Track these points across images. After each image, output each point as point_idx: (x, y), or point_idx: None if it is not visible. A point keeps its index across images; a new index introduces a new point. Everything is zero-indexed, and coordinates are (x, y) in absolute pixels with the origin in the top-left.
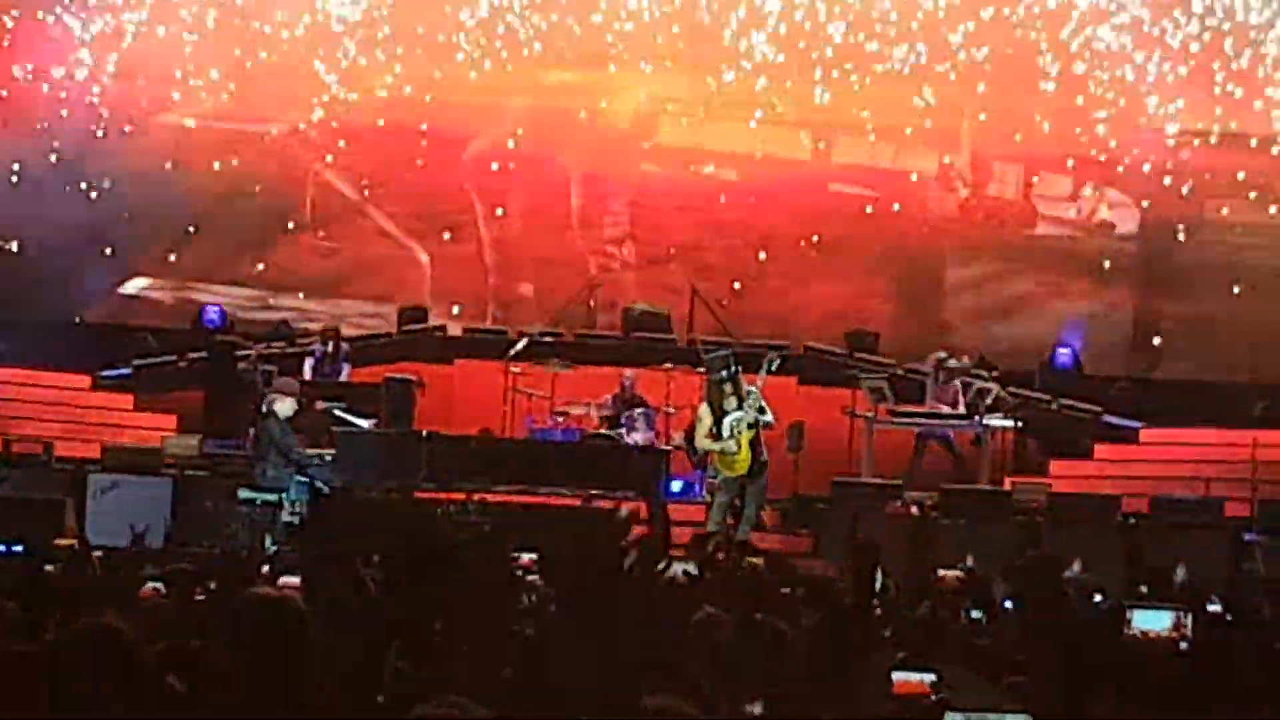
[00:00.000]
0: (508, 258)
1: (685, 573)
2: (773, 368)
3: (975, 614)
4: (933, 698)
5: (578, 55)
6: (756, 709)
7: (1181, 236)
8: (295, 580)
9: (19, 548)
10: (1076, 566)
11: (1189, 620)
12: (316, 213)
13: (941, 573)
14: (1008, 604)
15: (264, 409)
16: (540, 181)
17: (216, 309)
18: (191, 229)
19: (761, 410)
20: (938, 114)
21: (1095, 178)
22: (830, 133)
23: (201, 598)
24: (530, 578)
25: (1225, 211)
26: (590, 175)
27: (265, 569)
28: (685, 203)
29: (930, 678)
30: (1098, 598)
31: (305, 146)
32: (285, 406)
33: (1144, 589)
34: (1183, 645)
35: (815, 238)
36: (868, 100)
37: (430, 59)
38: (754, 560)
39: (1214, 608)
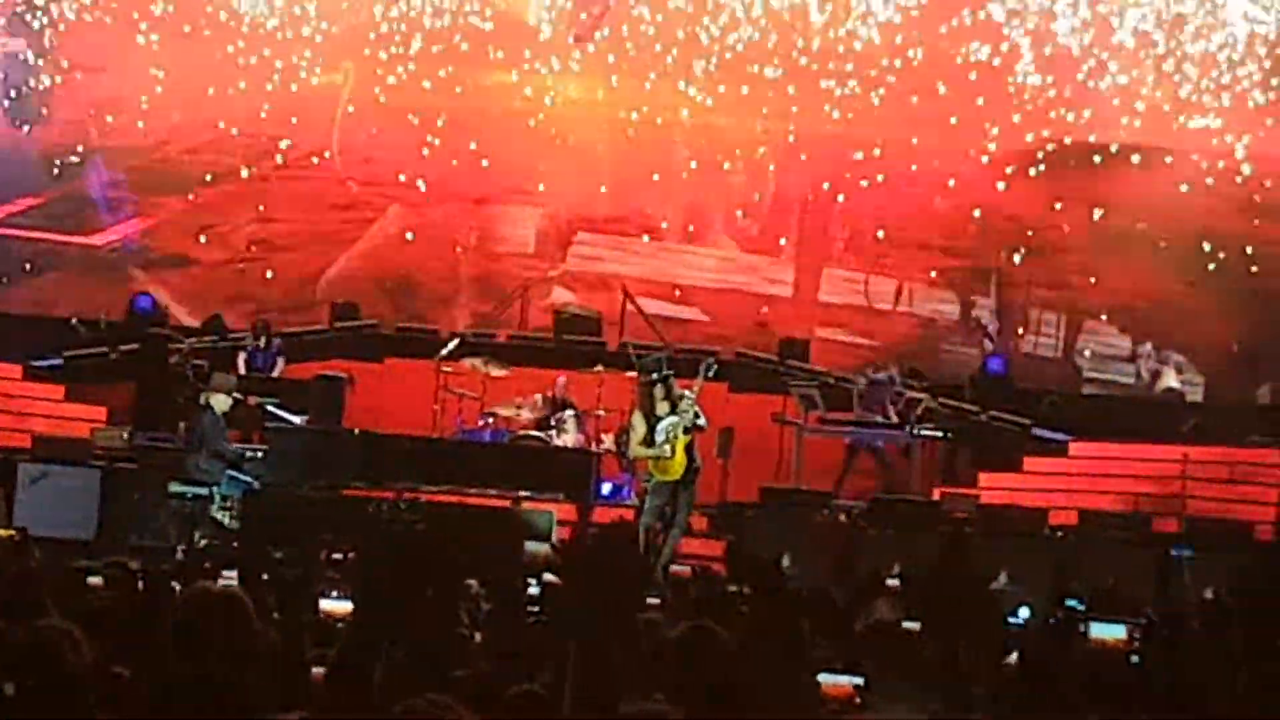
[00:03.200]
0: None
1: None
2: (710, 373)
3: (909, 624)
4: (858, 701)
5: None
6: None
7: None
8: (233, 575)
9: None
10: (1003, 578)
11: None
12: None
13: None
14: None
15: (201, 402)
16: None
17: (148, 297)
18: None
19: (696, 415)
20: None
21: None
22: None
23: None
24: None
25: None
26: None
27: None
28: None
29: (858, 681)
30: (1024, 610)
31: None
32: (221, 402)
33: (1075, 602)
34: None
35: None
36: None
37: None
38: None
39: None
